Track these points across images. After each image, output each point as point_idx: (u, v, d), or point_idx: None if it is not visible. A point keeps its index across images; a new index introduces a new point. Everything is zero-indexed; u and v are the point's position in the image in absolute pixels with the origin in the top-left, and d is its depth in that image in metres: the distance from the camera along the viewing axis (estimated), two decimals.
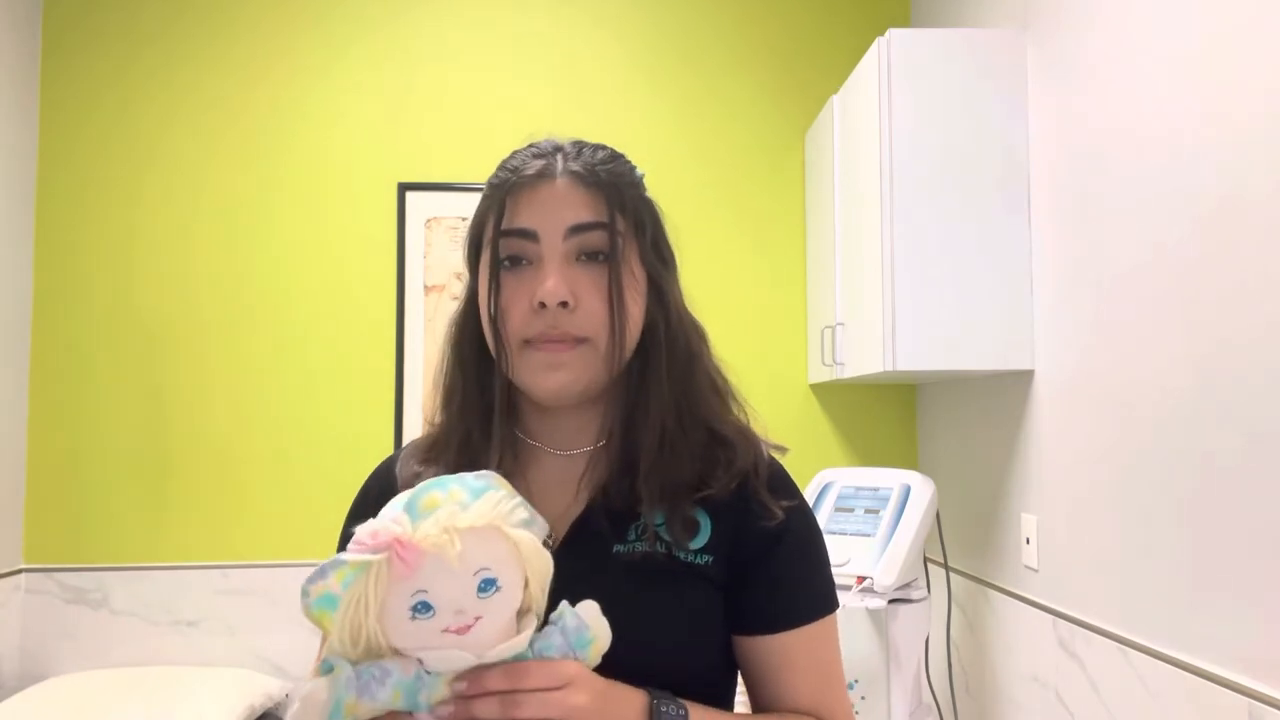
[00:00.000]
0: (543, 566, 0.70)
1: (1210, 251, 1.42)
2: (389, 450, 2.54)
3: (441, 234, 2.61)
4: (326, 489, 2.53)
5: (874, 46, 2.09)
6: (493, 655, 0.68)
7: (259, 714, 2.24)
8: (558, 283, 0.82)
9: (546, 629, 0.72)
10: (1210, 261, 1.42)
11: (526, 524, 0.70)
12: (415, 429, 2.56)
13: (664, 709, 0.75)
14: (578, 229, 0.83)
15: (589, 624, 0.73)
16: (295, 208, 2.59)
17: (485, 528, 0.66)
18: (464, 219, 2.62)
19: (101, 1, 2.58)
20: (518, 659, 0.69)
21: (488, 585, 0.66)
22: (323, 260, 2.58)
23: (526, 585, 0.70)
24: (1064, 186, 1.87)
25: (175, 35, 2.59)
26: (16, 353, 2.45)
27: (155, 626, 2.47)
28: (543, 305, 0.82)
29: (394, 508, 0.68)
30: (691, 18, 2.71)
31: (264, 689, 2.29)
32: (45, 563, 2.46)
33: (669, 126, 2.68)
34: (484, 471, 0.72)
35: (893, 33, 2.04)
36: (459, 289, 2.59)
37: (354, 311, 2.58)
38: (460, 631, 0.66)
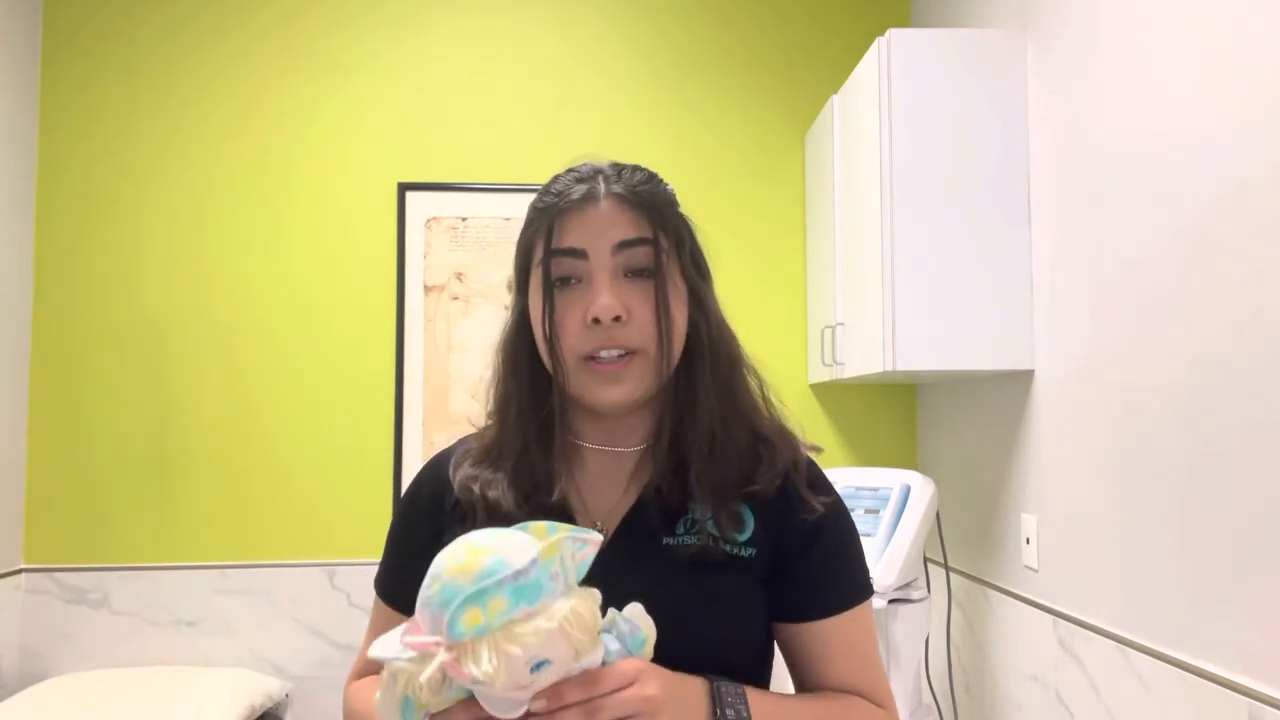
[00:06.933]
0: (588, 624, 0.71)
1: (1210, 251, 1.42)
2: (388, 450, 2.56)
3: (441, 234, 2.61)
4: (327, 489, 2.53)
5: (874, 46, 2.09)
6: (567, 672, 0.72)
7: (259, 714, 2.24)
8: (611, 298, 0.87)
9: (603, 636, 0.76)
10: (1210, 261, 1.42)
11: (570, 570, 0.72)
12: (414, 430, 2.56)
13: (723, 689, 0.81)
14: (624, 245, 0.88)
15: (640, 626, 0.77)
16: (295, 208, 2.59)
17: (532, 644, 0.68)
18: (464, 219, 2.62)
19: (101, 4, 2.58)
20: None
21: (540, 665, 0.69)
22: (323, 260, 2.58)
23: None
24: (1064, 186, 1.87)
25: (175, 37, 2.59)
26: (16, 353, 2.45)
27: (155, 626, 2.47)
28: (597, 321, 0.87)
29: (435, 606, 0.69)
30: (691, 18, 2.71)
31: (264, 689, 2.29)
32: (45, 563, 2.46)
33: (669, 126, 2.69)
34: (523, 539, 0.72)
35: (893, 33, 2.04)
36: (459, 289, 2.61)
37: (354, 311, 2.58)
38: (519, 689, 0.69)
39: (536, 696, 0.71)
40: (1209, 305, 1.43)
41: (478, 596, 0.67)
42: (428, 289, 2.60)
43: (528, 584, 0.68)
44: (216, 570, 2.49)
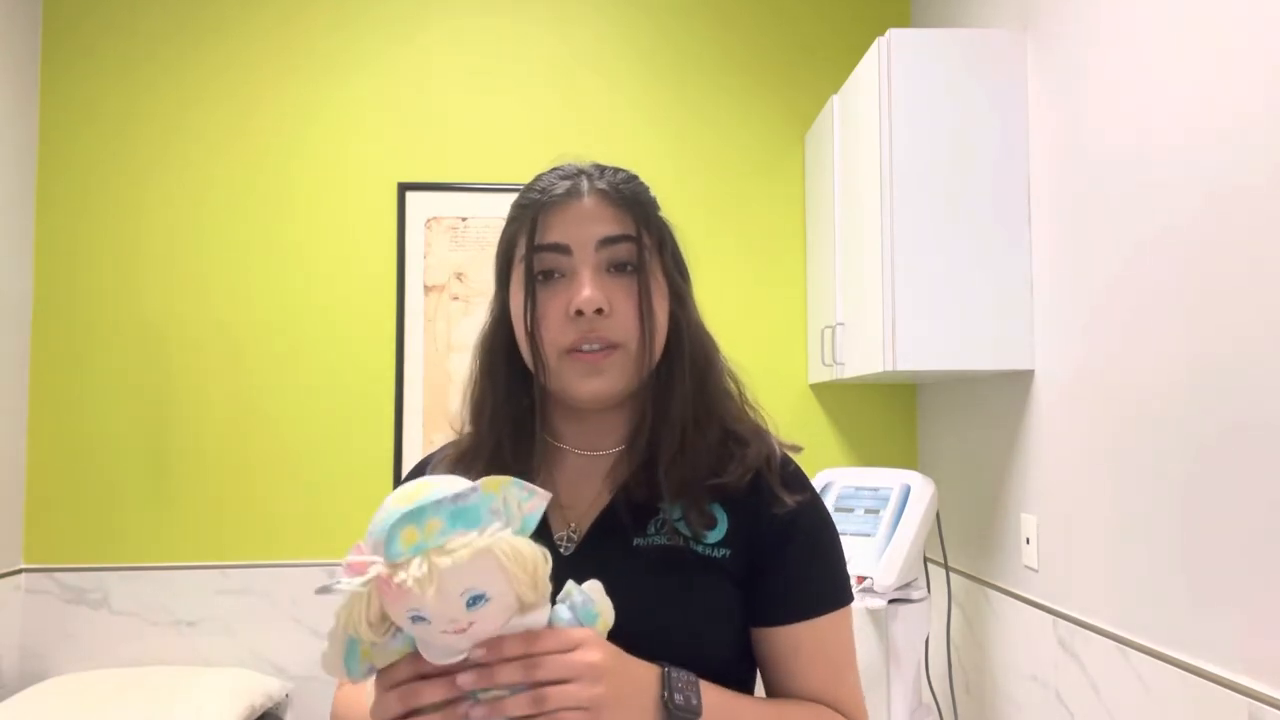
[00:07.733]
0: (529, 565, 0.70)
1: (1210, 251, 1.42)
2: (388, 450, 2.56)
3: (441, 234, 2.61)
4: (327, 489, 2.53)
5: (874, 46, 2.09)
6: (509, 630, 0.72)
7: (259, 714, 2.24)
8: (594, 290, 0.86)
9: (555, 606, 0.75)
10: (1210, 261, 1.42)
11: (515, 518, 0.72)
12: (414, 430, 2.56)
13: (674, 674, 0.79)
14: (607, 241, 0.89)
15: (594, 599, 0.76)
16: (295, 208, 2.59)
17: (464, 560, 0.68)
18: (464, 219, 2.62)
19: (101, 4, 2.58)
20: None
21: (475, 600, 0.68)
22: (323, 260, 2.58)
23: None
24: (1063, 186, 1.87)
25: (176, 37, 2.59)
26: (16, 353, 2.45)
27: (155, 626, 2.47)
28: (579, 313, 0.86)
29: (376, 531, 0.69)
30: (691, 18, 2.71)
31: (263, 689, 2.29)
32: (45, 563, 2.46)
33: (669, 127, 2.68)
34: (471, 481, 0.72)
35: (893, 33, 2.04)
36: (459, 289, 2.61)
37: (354, 311, 2.58)
38: (458, 632, 0.69)
39: (476, 646, 0.71)
40: (1209, 305, 1.43)
41: (414, 515, 0.67)
42: (428, 289, 2.60)
43: (466, 508, 0.68)
44: (216, 570, 2.49)
